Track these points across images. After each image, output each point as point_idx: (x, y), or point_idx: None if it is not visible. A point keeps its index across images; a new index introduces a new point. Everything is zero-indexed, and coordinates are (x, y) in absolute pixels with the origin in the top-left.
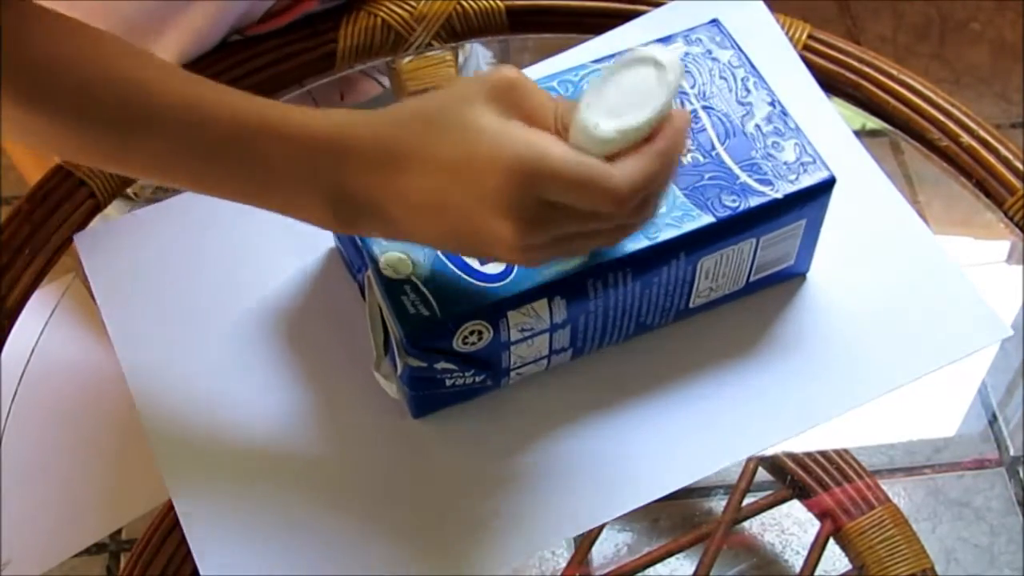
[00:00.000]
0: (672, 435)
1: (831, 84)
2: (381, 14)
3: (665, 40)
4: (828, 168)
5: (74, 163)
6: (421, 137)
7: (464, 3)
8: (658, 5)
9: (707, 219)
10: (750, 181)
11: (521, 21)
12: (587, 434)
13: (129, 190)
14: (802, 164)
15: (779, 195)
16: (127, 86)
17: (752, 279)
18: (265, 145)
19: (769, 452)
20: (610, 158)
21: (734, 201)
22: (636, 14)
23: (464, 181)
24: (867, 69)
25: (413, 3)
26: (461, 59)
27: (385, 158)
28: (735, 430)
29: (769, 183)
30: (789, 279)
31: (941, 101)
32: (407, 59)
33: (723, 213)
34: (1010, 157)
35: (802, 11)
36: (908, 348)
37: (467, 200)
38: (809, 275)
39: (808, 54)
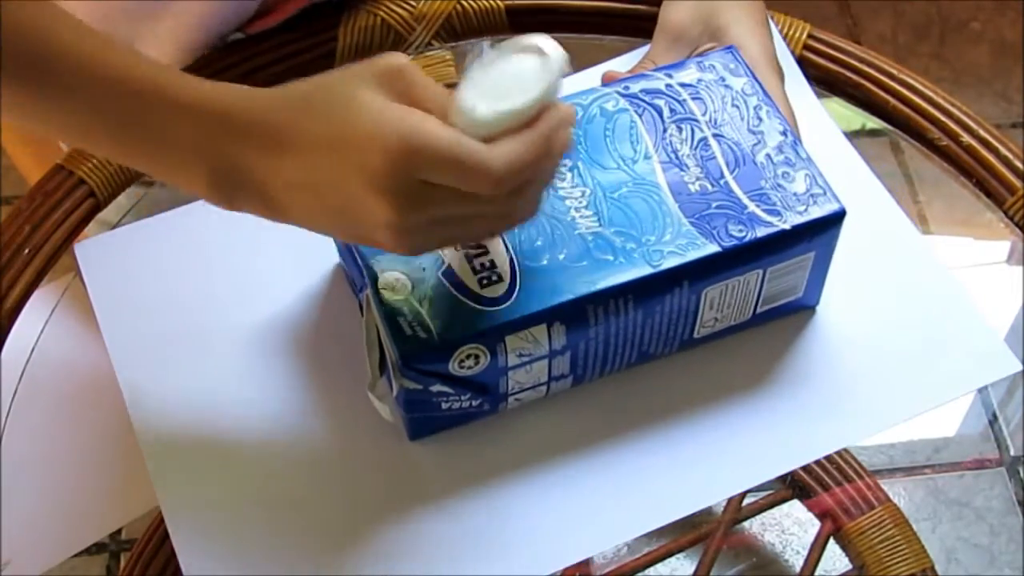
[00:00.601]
0: (672, 466)
1: (831, 84)
2: (381, 13)
3: (678, 66)
4: (839, 200)
5: (74, 155)
6: (304, 116)
7: (464, 3)
8: (657, 4)
9: (712, 248)
10: (758, 211)
11: (521, 21)
12: (586, 463)
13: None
14: (812, 195)
15: (787, 226)
16: (34, 37)
17: (759, 311)
18: (157, 110)
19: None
20: (490, 142)
21: (741, 231)
22: (635, 14)
23: (342, 159)
24: (867, 69)
25: (413, 2)
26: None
27: (268, 135)
28: (737, 462)
29: (777, 214)
30: (798, 312)
31: (941, 101)
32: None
33: (729, 243)
34: (1010, 157)
35: (802, 11)
36: (916, 382)
37: (345, 179)
38: (819, 308)
39: (808, 54)
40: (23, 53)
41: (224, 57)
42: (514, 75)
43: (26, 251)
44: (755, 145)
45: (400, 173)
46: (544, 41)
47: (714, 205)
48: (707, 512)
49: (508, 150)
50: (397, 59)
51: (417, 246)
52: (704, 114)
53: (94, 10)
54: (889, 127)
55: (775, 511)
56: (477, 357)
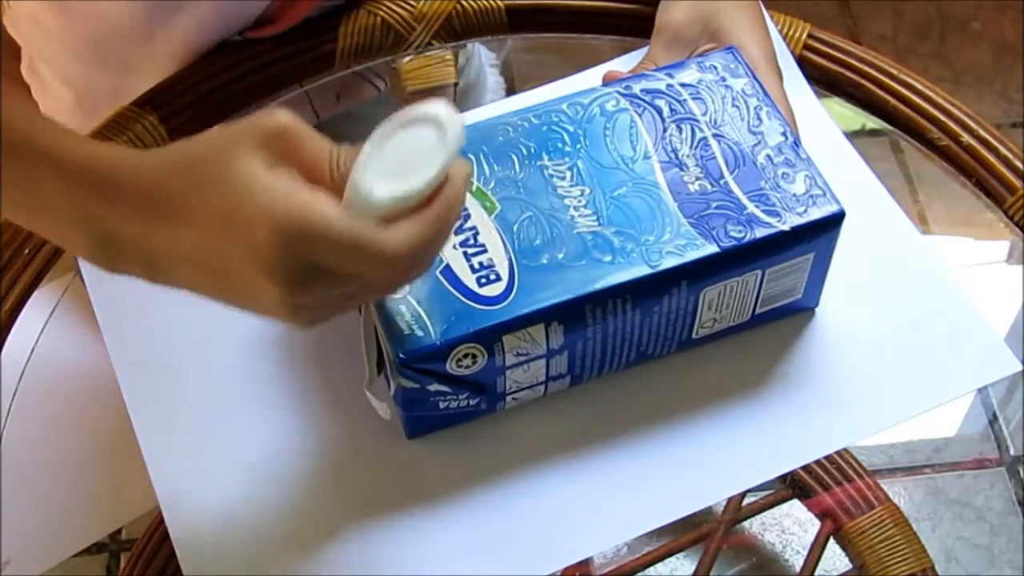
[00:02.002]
0: (671, 466)
1: (831, 84)
2: (381, 13)
3: (679, 66)
4: (838, 202)
5: None
6: (186, 186)
7: (464, 2)
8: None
9: (711, 249)
10: (757, 212)
11: (521, 20)
12: (584, 463)
13: None
14: (811, 196)
15: (786, 227)
16: None
17: (758, 312)
18: (33, 169)
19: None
20: (386, 219)
21: (739, 232)
22: (635, 14)
23: (229, 236)
24: (867, 68)
25: (413, 2)
26: (463, 60)
27: (150, 204)
28: (736, 463)
29: (776, 215)
30: (797, 313)
31: (941, 100)
32: (407, 59)
33: (727, 243)
34: (1010, 156)
35: (802, 10)
36: (916, 382)
37: (232, 256)
38: (819, 309)
39: (808, 54)
40: None
41: (224, 57)
42: (411, 150)
43: (26, 251)
44: (755, 145)
45: (290, 257)
46: (441, 110)
47: (713, 205)
48: (707, 512)
49: (405, 235)
50: (282, 119)
51: (311, 320)
52: (704, 114)
53: (121, 9)
54: (889, 127)
55: (775, 511)
56: (474, 356)
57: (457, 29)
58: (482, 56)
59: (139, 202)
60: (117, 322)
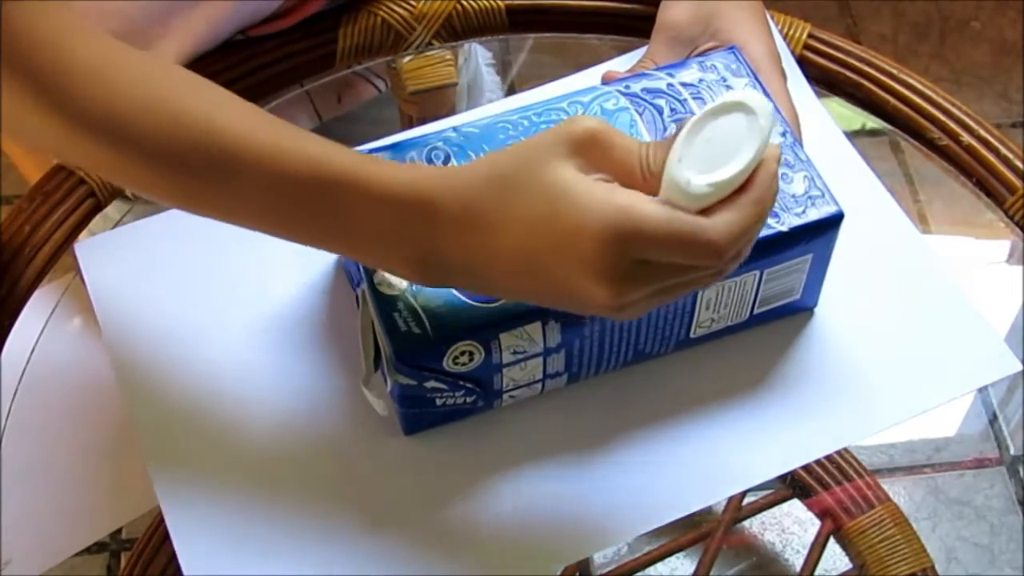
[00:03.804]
0: (668, 466)
1: (831, 83)
2: (381, 13)
3: (680, 66)
4: (837, 203)
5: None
6: (506, 198)
7: (464, 2)
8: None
9: None
10: None
11: (521, 20)
12: (581, 462)
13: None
14: (810, 197)
15: (784, 228)
16: (209, 130)
17: (756, 312)
18: (347, 200)
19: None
20: (704, 210)
21: None
22: (634, 13)
23: (553, 245)
24: (867, 68)
25: (413, 2)
26: (460, 60)
27: (471, 220)
28: (735, 462)
29: (775, 215)
30: (796, 313)
31: (941, 100)
32: (407, 58)
33: None
34: (1010, 156)
35: (802, 10)
36: (916, 382)
37: (558, 263)
38: (817, 310)
39: (808, 53)
40: (200, 150)
41: (224, 57)
42: (723, 139)
43: (26, 251)
44: None
45: (615, 258)
46: (750, 97)
47: None
48: (707, 512)
49: (729, 222)
50: (589, 124)
51: (635, 315)
52: None
53: (135, 9)
54: (889, 127)
55: (775, 510)
56: (471, 354)
57: (457, 29)
58: (479, 56)
59: (458, 219)
60: (117, 321)
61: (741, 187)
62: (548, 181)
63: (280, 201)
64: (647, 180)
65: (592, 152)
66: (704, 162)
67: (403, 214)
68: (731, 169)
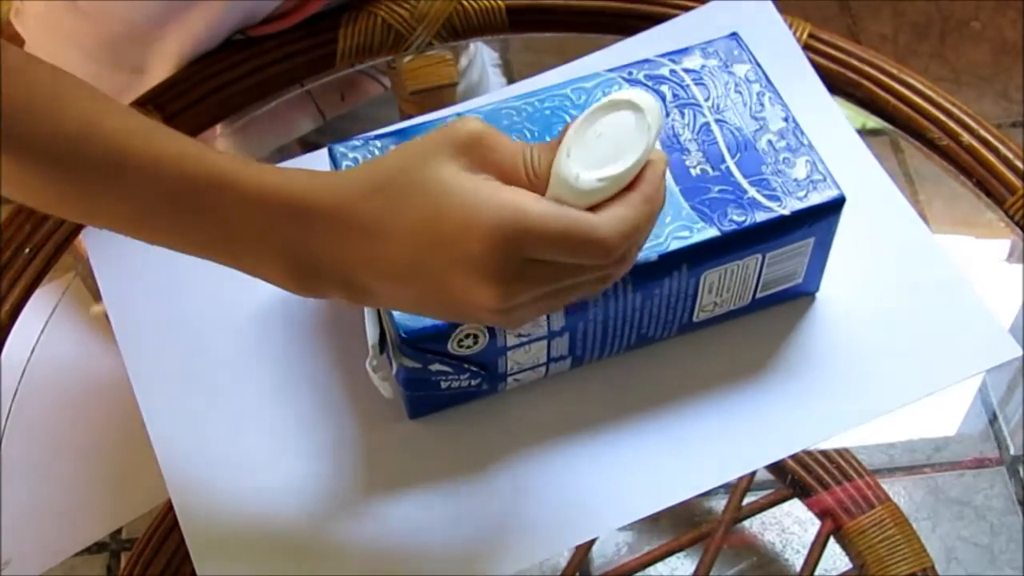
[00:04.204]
0: (670, 450)
1: (832, 83)
2: (381, 13)
3: (682, 52)
4: (838, 187)
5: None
6: (383, 202)
7: (464, 2)
8: (658, 3)
9: (711, 232)
10: (758, 196)
11: (521, 20)
12: (585, 445)
13: None
14: (812, 182)
15: (786, 212)
16: (88, 134)
17: (758, 296)
18: (219, 201)
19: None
20: (592, 207)
21: (740, 216)
22: (635, 13)
23: (438, 248)
24: (867, 68)
25: (413, 2)
26: (465, 62)
27: (348, 225)
28: (734, 446)
29: (777, 199)
30: (798, 298)
31: (941, 100)
32: (408, 58)
33: (728, 227)
34: (1010, 156)
35: (803, 10)
36: (917, 367)
37: (443, 267)
38: (819, 294)
39: (808, 53)
40: (78, 154)
41: (225, 57)
42: (612, 135)
43: (26, 251)
44: (757, 131)
45: (504, 258)
46: (638, 95)
47: (715, 190)
48: (707, 511)
49: (618, 219)
50: (473, 125)
51: (523, 320)
52: (707, 100)
53: (135, 9)
54: (889, 126)
55: (775, 510)
56: (476, 337)
57: (458, 29)
58: (485, 57)
59: (335, 224)
60: (125, 308)
61: (630, 184)
62: (432, 181)
63: (156, 205)
64: (532, 181)
65: (476, 153)
66: (593, 158)
67: (272, 215)
68: (620, 165)
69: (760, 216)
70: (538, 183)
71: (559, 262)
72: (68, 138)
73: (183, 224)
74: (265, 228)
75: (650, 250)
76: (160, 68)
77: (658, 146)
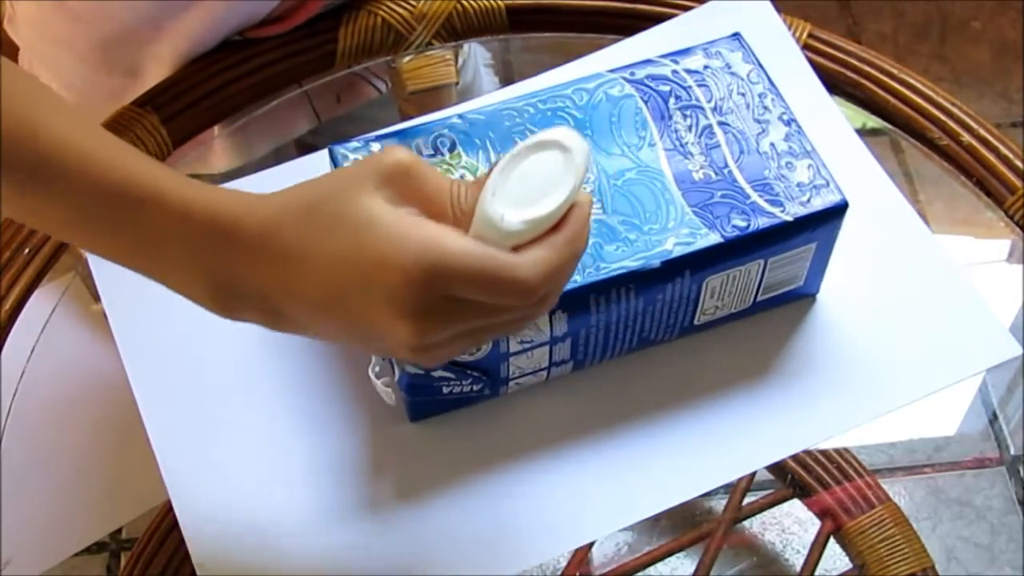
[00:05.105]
0: (671, 451)
1: (832, 83)
2: (381, 13)
3: (684, 53)
4: (841, 192)
5: None
6: (305, 229)
7: (464, 2)
8: (658, 3)
9: (714, 238)
10: (761, 201)
11: (521, 20)
12: (586, 448)
13: None
14: (815, 187)
15: (789, 217)
16: (33, 135)
17: (759, 299)
18: (144, 215)
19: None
20: (516, 247)
21: (743, 221)
22: (635, 13)
23: (357, 280)
24: (867, 68)
25: (413, 2)
26: (460, 61)
27: (271, 250)
28: (735, 448)
29: (780, 204)
30: (798, 299)
31: (941, 100)
32: (407, 58)
33: (731, 233)
34: (1010, 156)
35: (803, 10)
36: (918, 366)
37: (362, 300)
38: (819, 295)
39: (809, 53)
40: (19, 153)
41: (224, 57)
42: (538, 175)
43: (26, 251)
44: (759, 134)
45: (422, 295)
46: (567, 135)
47: (718, 194)
48: (707, 511)
49: (540, 261)
50: (401, 155)
51: (440, 359)
52: (709, 101)
53: (129, 11)
54: (889, 126)
55: (775, 510)
56: None
57: (458, 29)
58: (478, 57)
59: (257, 247)
60: (124, 309)
61: (555, 226)
62: (355, 212)
63: (85, 213)
64: (458, 217)
65: (403, 185)
66: (518, 198)
67: (194, 234)
68: (545, 206)
69: (763, 222)
70: (464, 219)
71: (479, 301)
72: (8, 137)
73: (110, 234)
74: (188, 246)
75: (653, 256)
76: (155, 71)
77: (585, 187)
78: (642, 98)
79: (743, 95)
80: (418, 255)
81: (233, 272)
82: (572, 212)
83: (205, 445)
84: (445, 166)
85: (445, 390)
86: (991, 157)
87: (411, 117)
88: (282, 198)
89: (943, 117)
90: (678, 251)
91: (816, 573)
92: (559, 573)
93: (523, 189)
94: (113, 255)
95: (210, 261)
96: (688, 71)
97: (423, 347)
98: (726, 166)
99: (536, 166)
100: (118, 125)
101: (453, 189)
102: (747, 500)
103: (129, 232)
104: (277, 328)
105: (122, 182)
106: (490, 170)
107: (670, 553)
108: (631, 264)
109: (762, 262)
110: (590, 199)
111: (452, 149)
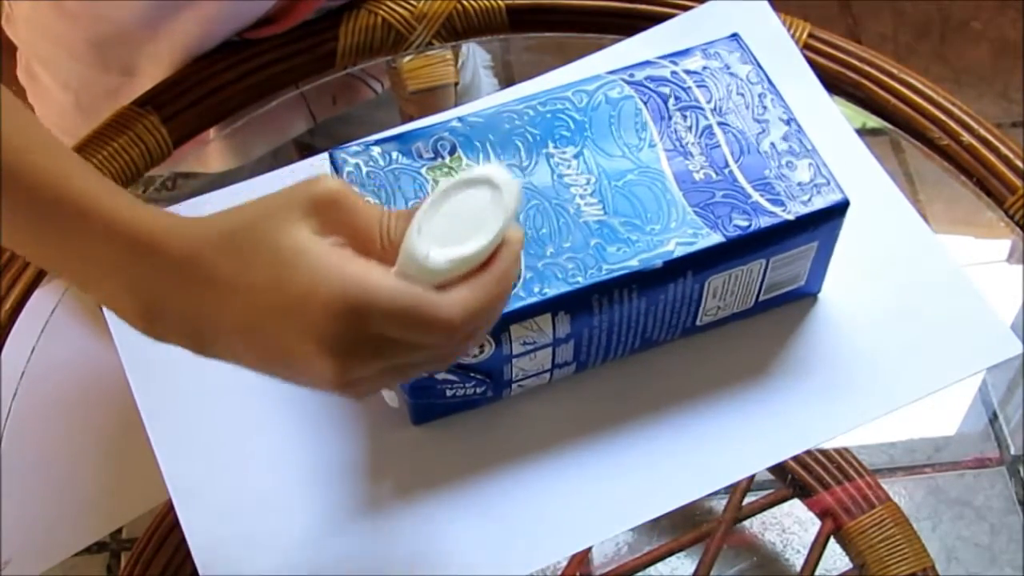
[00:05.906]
0: (675, 452)
1: (832, 83)
2: (381, 13)
3: (683, 54)
4: (842, 191)
5: None
6: (230, 256)
7: (465, 2)
8: (658, 3)
9: (716, 238)
10: (762, 201)
11: (521, 20)
12: (588, 449)
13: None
14: (816, 185)
15: (791, 216)
16: None
17: (761, 299)
18: (76, 231)
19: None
20: (441, 285)
21: (744, 221)
22: (635, 13)
23: (280, 313)
24: (868, 68)
25: (414, 2)
26: (459, 61)
27: (195, 274)
28: (738, 448)
29: (781, 204)
30: (800, 299)
31: (942, 100)
32: (407, 58)
33: (733, 233)
34: (1011, 156)
35: (803, 10)
36: (919, 365)
37: (283, 333)
38: (821, 294)
39: (809, 53)
40: None
41: (224, 57)
42: (466, 213)
43: None
44: (760, 134)
45: (344, 331)
46: (496, 173)
47: (718, 194)
48: (707, 511)
49: (464, 301)
50: (331, 184)
51: (361, 394)
52: (709, 102)
53: (125, 10)
54: (889, 126)
55: (775, 510)
56: (482, 345)
57: (458, 29)
58: (477, 58)
59: (182, 271)
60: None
61: (482, 265)
62: (279, 242)
63: (17, 220)
64: (387, 249)
65: (331, 214)
66: (445, 236)
67: (119, 252)
68: (472, 245)
69: (764, 221)
70: (392, 251)
71: (402, 339)
72: None
73: (40, 244)
74: (114, 264)
75: (655, 256)
76: (152, 70)
77: (515, 224)
78: (642, 99)
79: (742, 95)
80: (342, 292)
81: (158, 295)
82: (501, 250)
83: (207, 448)
84: (446, 169)
85: (448, 393)
86: (991, 157)
87: (412, 117)
88: (208, 222)
89: (943, 117)
90: (680, 251)
91: (816, 573)
92: (559, 573)
93: (450, 227)
94: (48, 266)
95: (136, 282)
96: (687, 72)
97: (346, 383)
98: (727, 166)
99: (464, 203)
100: (118, 124)
101: (383, 219)
102: (747, 500)
103: (57, 245)
104: (203, 354)
105: (51, 194)
106: (419, 204)
107: (670, 553)
108: (633, 264)
109: (764, 262)
110: (521, 237)
111: (452, 152)
